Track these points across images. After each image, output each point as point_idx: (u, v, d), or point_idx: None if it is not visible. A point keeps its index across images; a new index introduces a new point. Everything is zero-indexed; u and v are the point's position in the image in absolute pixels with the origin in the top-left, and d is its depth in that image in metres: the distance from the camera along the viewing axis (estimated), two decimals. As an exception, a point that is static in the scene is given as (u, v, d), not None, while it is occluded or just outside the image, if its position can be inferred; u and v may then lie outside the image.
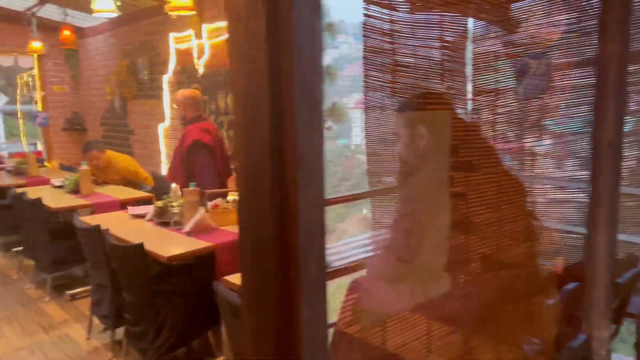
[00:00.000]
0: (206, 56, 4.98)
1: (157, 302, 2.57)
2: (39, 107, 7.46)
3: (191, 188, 2.89)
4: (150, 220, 3.13)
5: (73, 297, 3.82)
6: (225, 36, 4.86)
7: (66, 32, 5.51)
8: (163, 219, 3.02)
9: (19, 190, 4.22)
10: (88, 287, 3.93)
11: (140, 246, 2.45)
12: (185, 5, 3.39)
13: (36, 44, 6.22)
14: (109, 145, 7.03)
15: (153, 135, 6.03)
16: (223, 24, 4.70)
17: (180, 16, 4.31)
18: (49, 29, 6.93)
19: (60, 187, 4.38)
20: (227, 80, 4.78)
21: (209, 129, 3.55)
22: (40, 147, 8.14)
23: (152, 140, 6.04)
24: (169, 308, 2.59)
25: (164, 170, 5.88)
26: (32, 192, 4.03)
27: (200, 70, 5.09)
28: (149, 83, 5.93)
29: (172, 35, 5.40)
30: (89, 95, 7.42)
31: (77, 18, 6.51)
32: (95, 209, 3.77)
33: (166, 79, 5.64)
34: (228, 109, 4.82)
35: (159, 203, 3.04)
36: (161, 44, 5.66)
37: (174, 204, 3.01)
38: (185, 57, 5.31)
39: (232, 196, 3.22)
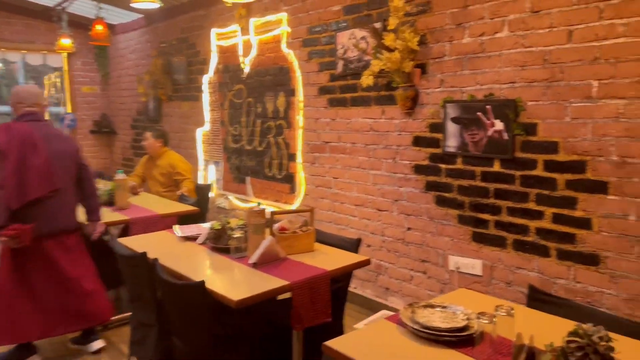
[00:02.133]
0: (253, 53, 4.48)
1: (219, 350, 2.05)
2: (68, 108, 7.06)
3: (256, 208, 2.36)
4: (203, 244, 2.61)
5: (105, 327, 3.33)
6: (276, 31, 4.39)
7: (99, 27, 5.08)
8: (220, 243, 2.49)
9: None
10: (124, 315, 3.44)
11: (200, 285, 1.93)
12: (244, -9, 2.88)
13: (66, 41, 5.85)
14: (140, 150, 6.61)
15: (190, 140, 5.55)
16: (274, 17, 4.19)
17: (235, 4, 3.83)
18: (79, 25, 6.55)
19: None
20: (277, 80, 4.27)
21: (13, 129, 2.67)
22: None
23: (189, 146, 5.57)
24: (234, 357, 2.06)
25: (202, 179, 5.39)
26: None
27: (246, 69, 4.59)
28: (186, 83, 5.46)
29: (214, 31, 4.92)
30: (119, 96, 7.00)
31: (109, 13, 6.08)
32: (133, 225, 3.27)
33: (206, 79, 5.16)
34: (278, 112, 4.30)
35: (216, 224, 2.52)
36: (201, 41, 5.18)
37: (235, 225, 2.49)
38: (228, 55, 4.82)
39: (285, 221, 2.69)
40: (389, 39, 3.04)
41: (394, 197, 3.38)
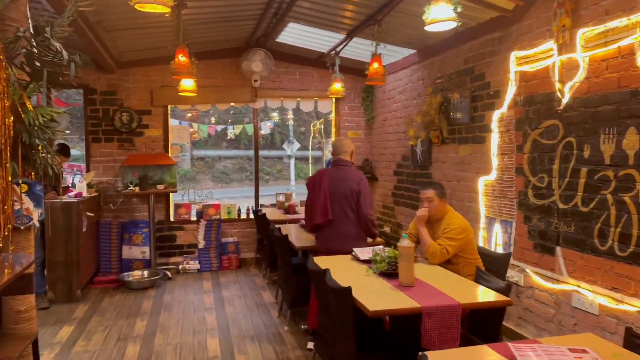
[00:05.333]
0: (579, 76, 3.21)
1: None
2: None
3: None
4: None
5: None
6: (625, 41, 3.01)
7: (375, 65, 4.58)
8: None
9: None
10: None
11: None
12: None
13: (337, 85, 5.63)
14: (401, 198, 5.92)
15: (466, 191, 4.52)
16: (621, 22, 2.86)
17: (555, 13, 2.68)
18: (347, 70, 6.40)
19: (366, 261, 3.18)
20: (624, 110, 2.88)
21: (316, 174, 3.92)
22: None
23: (465, 198, 4.53)
24: None
25: (482, 241, 4.26)
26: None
27: (565, 99, 3.34)
28: (467, 123, 4.49)
29: (514, 55, 3.84)
30: (382, 140, 6.54)
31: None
32: (427, 317, 2.33)
33: (497, 115, 4.09)
34: (624, 157, 2.89)
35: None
36: (492, 70, 4.16)
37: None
38: (534, 82, 3.65)
39: None
40: None
41: None
